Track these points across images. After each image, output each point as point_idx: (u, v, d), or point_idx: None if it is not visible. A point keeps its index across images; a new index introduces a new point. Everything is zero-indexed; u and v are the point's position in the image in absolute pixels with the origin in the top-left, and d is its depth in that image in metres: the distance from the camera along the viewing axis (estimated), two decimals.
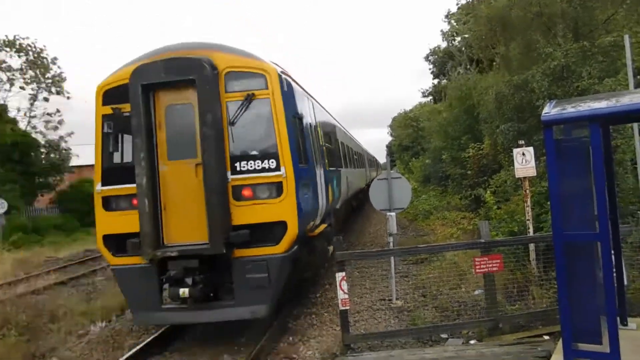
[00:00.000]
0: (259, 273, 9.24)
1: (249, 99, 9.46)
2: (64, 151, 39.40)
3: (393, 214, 11.60)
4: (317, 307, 12.29)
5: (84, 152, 46.68)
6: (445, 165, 27.81)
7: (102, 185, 9.77)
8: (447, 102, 32.29)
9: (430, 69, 48.27)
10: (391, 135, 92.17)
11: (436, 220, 24.09)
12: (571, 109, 6.07)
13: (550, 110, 6.17)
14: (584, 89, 14.67)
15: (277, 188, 9.39)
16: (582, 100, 6.30)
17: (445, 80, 42.57)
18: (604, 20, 18.08)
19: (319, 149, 12.64)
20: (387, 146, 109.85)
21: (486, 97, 21.19)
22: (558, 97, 14.61)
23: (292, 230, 9.37)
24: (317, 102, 14.49)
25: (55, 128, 39.90)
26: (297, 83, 11.60)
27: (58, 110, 39.87)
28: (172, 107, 9.55)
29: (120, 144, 9.89)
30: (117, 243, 9.58)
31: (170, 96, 9.54)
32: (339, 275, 8.91)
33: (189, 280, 9.21)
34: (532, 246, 11.09)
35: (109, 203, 9.77)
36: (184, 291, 9.19)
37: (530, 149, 11.75)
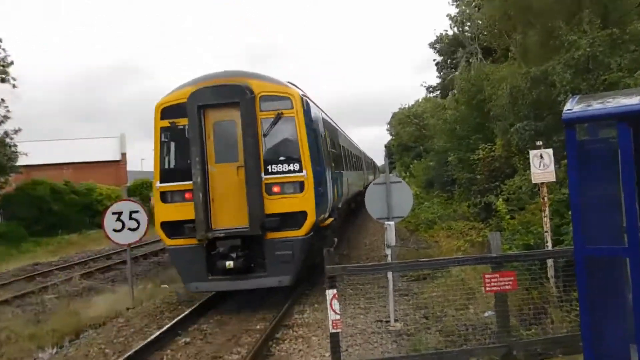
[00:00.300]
0: (286, 251, 14.40)
1: (279, 116, 14.85)
2: (9, 148, 38.01)
3: (392, 223, 11.79)
4: (304, 329, 12.50)
5: (35, 149, 46.08)
6: (451, 169, 27.90)
7: (160, 183, 14.99)
8: (455, 96, 32.38)
9: (435, 60, 48.33)
10: (390, 133, 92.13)
11: (441, 231, 24.16)
12: (597, 105, 6.03)
13: (572, 107, 6.15)
14: (612, 82, 14.69)
15: (300, 185, 14.68)
16: (610, 96, 6.26)
17: (452, 74, 42.68)
18: (637, 4, 18.11)
19: (327, 154, 17.77)
20: (385, 146, 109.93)
21: (499, 91, 21.27)
22: (582, 91, 14.50)
23: (311, 218, 14.58)
24: (325, 113, 20.27)
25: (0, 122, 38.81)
26: (312, 101, 16.81)
27: (3, 100, 38.24)
28: (218, 122, 14.83)
29: (174, 151, 15.09)
30: (171, 228, 14.68)
31: (217, 114, 14.80)
32: (330, 293, 9.00)
33: (233, 255, 14.32)
34: (550, 262, 11.12)
35: (165, 197, 14.93)
36: (229, 264, 14.28)
37: (549, 151, 11.80)
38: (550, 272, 11.14)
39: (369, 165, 52.90)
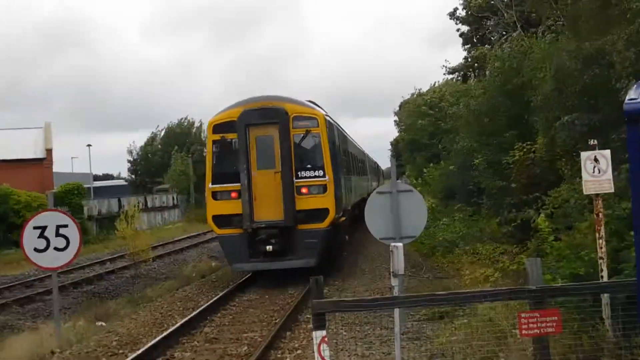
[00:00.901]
0: (312, 239, 24.30)
1: (307, 133, 25.13)
2: None
3: (400, 245, 11.72)
4: None
5: None
6: (478, 175, 27.75)
7: (212, 184, 25.27)
8: (485, 80, 32.28)
9: (459, 31, 48.17)
10: (398, 127, 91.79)
11: (463, 256, 24.15)
12: None
13: (638, 96, 6.13)
14: None
15: (323, 188, 24.77)
16: None
17: (480, 50, 42.51)
18: None
19: (341, 162, 28.20)
20: (392, 144, 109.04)
21: (542, 73, 21.24)
22: None
23: (332, 214, 24.68)
24: (338, 125, 31.75)
25: None
26: (332, 119, 28.31)
27: None
28: (260, 137, 24.98)
29: (223, 159, 25.28)
30: (220, 220, 24.95)
31: (259, 130, 25.05)
32: (318, 336, 8.94)
33: (272, 241, 24.39)
34: (605, 298, 11.04)
35: (215, 195, 25.13)
36: (269, 247, 24.42)
37: (607, 152, 11.72)
38: (606, 311, 11.06)
39: (373, 169, 62.19)
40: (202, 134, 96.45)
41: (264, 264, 25.21)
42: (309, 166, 25.60)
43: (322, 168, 25.48)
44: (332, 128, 28.33)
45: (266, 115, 25.54)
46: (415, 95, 77.75)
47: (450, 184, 38.60)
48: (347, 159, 33.99)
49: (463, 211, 31.91)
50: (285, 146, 25.27)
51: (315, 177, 25.51)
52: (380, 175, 73.59)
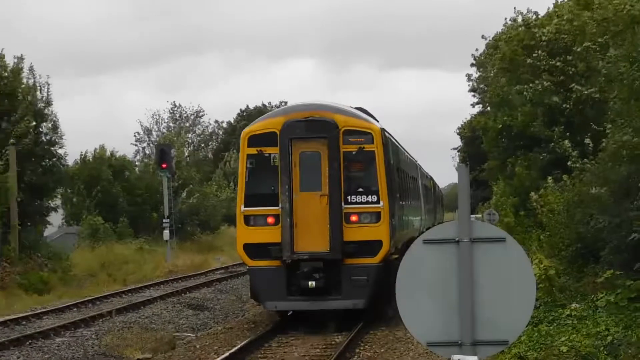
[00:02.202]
0: (361, 276, 22.94)
1: (360, 150, 23.70)
2: None
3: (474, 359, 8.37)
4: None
5: None
6: None
7: (245, 207, 23.84)
8: None
9: None
10: (478, 96, 72.23)
11: None
12: None
13: None
14: None
15: (377, 215, 23.48)
16: None
17: None
18: None
19: (396, 185, 27.59)
20: (460, 133, 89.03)
21: None
22: None
23: (386, 247, 23.63)
24: (391, 135, 29.00)
25: None
26: (388, 133, 27.48)
27: None
28: (304, 153, 23.61)
29: (259, 177, 24.13)
30: (254, 249, 23.68)
31: (304, 145, 23.65)
32: None
33: (316, 276, 22.90)
34: None
35: (248, 220, 23.87)
36: (312, 283, 22.83)
37: None
38: None
39: (427, 190, 48.86)
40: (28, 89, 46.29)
41: (304, 303, 23.39)
42: (360, 190, 23.64)
43: (377, 193, 23.56)
44: (388, 143, 26.10)
45: (313, 128, 23.65)
46: (515, 27, 42.28)
47: (591, 229, 22.70)
48: (401, 180, 30.40)
49: (618, 288, 19.41)
50: (334, 165, 23.34)
51: (367, 202, 23.55)
52: (438, 201, 63.40)
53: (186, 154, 79.70)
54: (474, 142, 70.07)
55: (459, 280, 8.56)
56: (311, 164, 23.36)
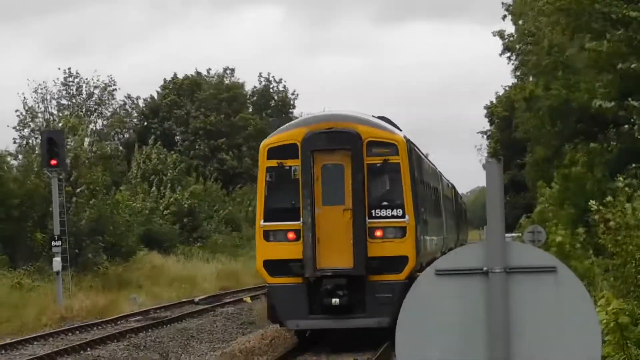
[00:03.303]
0: (386, 293, 31.07)
1: (385, 162, 32.51)
2: None
3: None
4: None
5: None
6: None
7: (264, 221, 32.71)
8: None
9: None
10: (512, 58, 73.30)
11: None
12: None
13: None
14: None
15: (402, 230, 32.31)
16: None
17: None
18: None
19: (422, 199, 37.09)
20: (488, 112, 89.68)
21: None
22: None
23: (412, 263, 32.62)
24: (415, 146, 38.21)
25: None
26: (414, 144, 37.98)
27: None
28: (326, 165, 32.38)
29: (279, 191, 32.90)
30: (274, 266, 32.52)
31: (326, 157, 32.40)
32: None
33: (340, 293, 31.30)
34: None
35: (267, 235, 32.79)
36: (335, 301, 31.23)
37: None
38: None
39: (450, 202, 61.76)
40: None
41: (327, 321, 31.51)
42: (385, 203, 31.75)
43: (402, 206, 31.59)
44: (413, 154, 34.87)
45: (335, 139, 31.52)
46: None
47: None
48: (425, 193, 40.33)
49: None
50: (358, 178, 31.10)
51: (392, 217, 31.58)
52: (461, 215, 74.33)
53: (87, 145, 77.32)
54: (510, 126, 70.64)
55: (488, 328, 8.64)
56: (334, 177, 31.41)
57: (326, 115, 32.83)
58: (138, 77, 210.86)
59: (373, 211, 30.83)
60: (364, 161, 30.83)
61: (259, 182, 32.41)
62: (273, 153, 31.52)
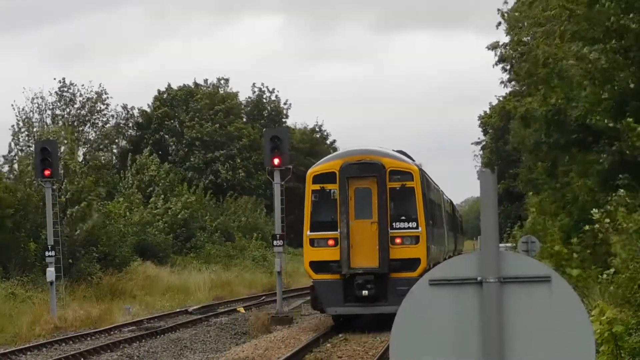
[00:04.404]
0: (404, 287, 37.19)
1: (403, 186, 45.72)
2: None
3: None
4: None
5: None
6: None
7: (310, 232, 46.23)
8: None
9: None
10: (507, 66, 72.20)
11: None
12: None
13: None
14: None
15: (416, 238, 45.67)
16: None
17: None
18: None
19: (431, 214, 52.35)
20: (482, 122, 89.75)
21: None
22: None
23: (423, 264, 45.49)
24: (426, 173, 52.76)
25: None
26: (424, 171, 52.04)
27: None
28: (358, 188, 45.86)
29: (321, 208, 46.52)
30: (317, 266, 46.06)
31: (358, 182, 45.77)
32: None
33: (368, 286, 44.73)
34: None
35: (312, 242, 46.41)
36: (365, 292, 44.62)
37: None
38: None
39: (449, 216, 76.59)
40: None
41: (358, 308, 42.62)
42: (403, 218, 42.52)
43: (416, 220, 42.39)
44: (424, 180, 46.65)
45: (365, 169, 42.31)
46: None
47: None
48: (432, 209, 52.20)
49: None
50: (382, 198, 41.77)
51: (408, 228, 42.38)
52: (457, 227, 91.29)
53: (81, 156, 76.67)
54: (504, 136, 70.94)
55: (482, 338, 8.71)
56: (364, 198, 42.44)
57: (358, 150, 44.07)
58: (137, 86, 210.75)
59: (394, 224, 41.89)
60: (387, 185, 41.92)
61: (306, 201, 43.36)
62: (317, 179, 42.88)
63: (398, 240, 41.63)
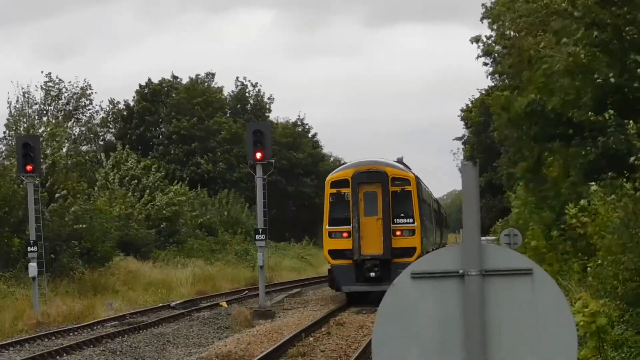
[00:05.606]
0: (403, 269, 24.04)
1: (402, 190, 62.35)
2: None
3: None
4: None
5: None
6: None
7: (329, 226, 62.14)
8: None
9: None
10: (490, 60, 71.73)
11: None
12: None
13: None
14: None
15: (413, 231, 62.12)
16: None
17: None
18: None
19: (424, 213, 69.09)
20: (463, 116, 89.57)
21: None
22: None
23: (419, 251, 61.40)
24: (420, 180, 70.73)
25: None
26: (419, 178, 70.52)
27: None
28: (366, 192, 62.86)
29: (337, 207, 62.68)
30: (334, 253, 62.01)
31: (366, 187, 62.20)
32: None
33: (375, 269, 60.51)
34: None
35: (330, 234, 62.79)
36: (372, 274, 60.47)
37: None
38: None
39: (436, 212, 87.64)
40: None
41: (367, 287, 53.03)
42: (402, 215, 53.70)
43: (412, 217, 53.80)
44: (419, 185, 59.04)
45: (372, 176, 53.58)
46: None
47: None
48: (425, 208, 63.60)
49: None
50: (386, 200, 53.00)
51: (407, 223, 53.73)
52: (443, 223, 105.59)
53: (64, 151, 75.65)
54: (486, 131, 71.66)
55: (465, 331, 8.78)
56: (371, 199, 53.25)
57: (367, 161, 56.08)
58: (130, 79, 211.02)
59: (395, 219, 53.41)
60: (390, 189, 53.18)
61: (325, 202, 55.64)
62: (333, 184, 54.53)
63: (398, 233, 53.27)
